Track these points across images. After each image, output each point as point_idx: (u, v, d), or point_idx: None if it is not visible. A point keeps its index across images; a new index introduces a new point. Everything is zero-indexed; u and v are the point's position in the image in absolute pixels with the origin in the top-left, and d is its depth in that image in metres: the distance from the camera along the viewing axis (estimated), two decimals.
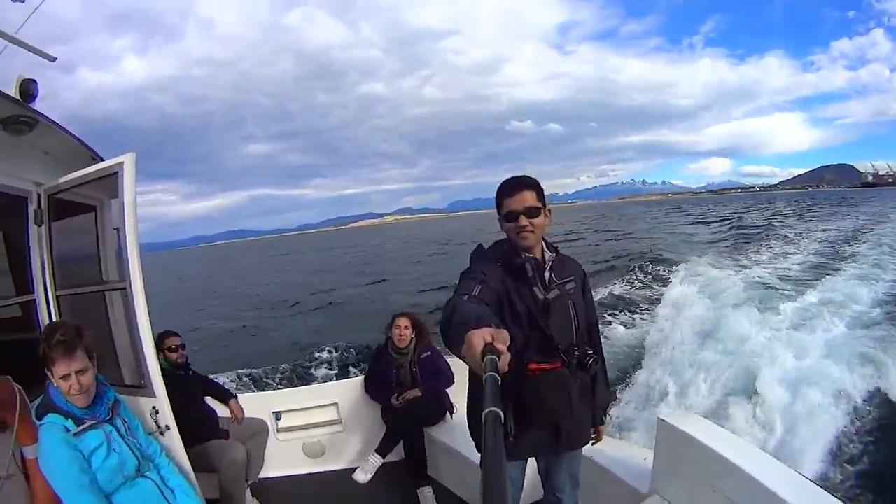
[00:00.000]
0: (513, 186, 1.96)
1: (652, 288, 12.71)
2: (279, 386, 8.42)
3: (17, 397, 2.07)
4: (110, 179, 2.89)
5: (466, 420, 2.17)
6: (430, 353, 3.98)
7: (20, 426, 2.01)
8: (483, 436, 0.73)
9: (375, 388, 4.00)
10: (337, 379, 7.45)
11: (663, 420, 2.39)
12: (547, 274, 2.00)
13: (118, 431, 2.14)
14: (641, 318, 9.99)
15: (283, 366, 9.53)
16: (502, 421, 0.76)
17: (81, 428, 2.00)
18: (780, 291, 9.77)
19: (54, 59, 2.71)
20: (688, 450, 2.20)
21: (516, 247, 1.98)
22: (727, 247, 19.81)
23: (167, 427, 2.62)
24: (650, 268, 15.83)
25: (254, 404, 4.09)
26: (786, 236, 20.91)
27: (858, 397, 5.28)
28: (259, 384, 8.60)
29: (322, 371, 9.36)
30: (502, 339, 1.12)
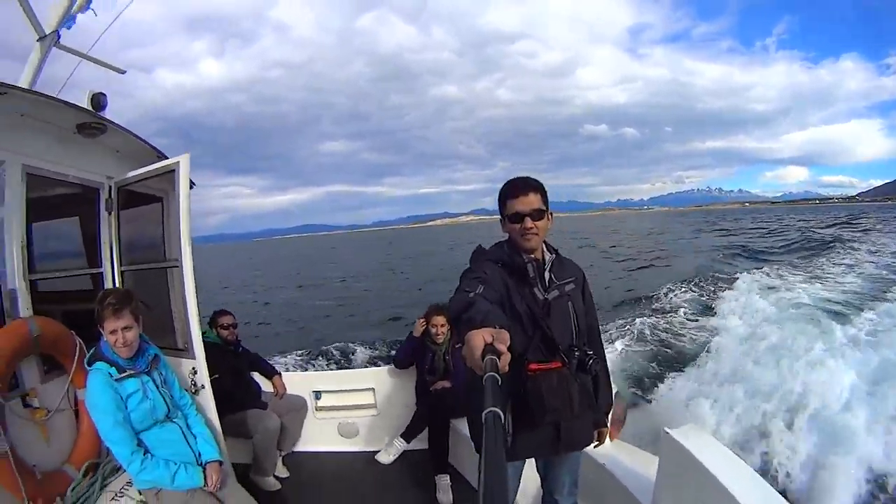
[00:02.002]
0: (519, 188, 1.97)
1: (712, 297, 12.02)
2: (322, 368, 8.91)
3: (77, 348, 2.58)
4: (173, 175, 3.41)
5: (468, 423, 2.24)
6: (462, 344, 4.12)
7: (76, 371, 2.51)
8: (483, 436, 0.73)
9: (402, 359, 4.21)
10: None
11: (668, 433, 2.31)
12: (547, 275, 2.02)
13: (154, 382, 2.56)
14: (696, 326, 9.57)
15: (329, 348, 10.08)
16: (502, 421, 0.77)
17: (122, 375, 2.43)
18: (844, 310, 8.90)
19: (124, 72, 3.25)
20: (688, 467, 2.13)
21: (518, 248, 2.00)
22: (797, 259, 18.21)
23: (202, 386, 3.05)
24: (714, 276, 15.00)
25: (296, 382, 4.46)
26: (859, 251, 18.74)
27: None
28: (304, 365, 9.16)
29: (364, 356, 9.82)
30: (502, 339, 1.14)
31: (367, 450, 4.30)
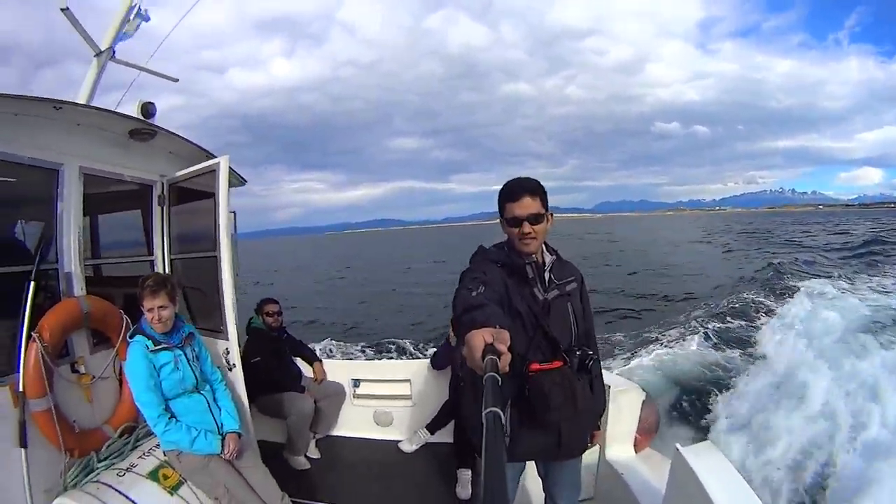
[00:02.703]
0: (517, 191, 1.95)
1: (769, 306, 11.20)
2: (362, 356, 9.27)
3: (124, 325, 2.99)
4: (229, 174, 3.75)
5: (467, 424, 2.30)
6: (463, 345, 4.23)
7: (122, 345, 2.91)
8: (483, 436, 0.74)
9: (440, 360, 4.34)
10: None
11: (679, 450, 2.24)
12: (547, 275, 2.03)
13: (186, 356, 2.88)
14: (747, 336, 9.00)
15: (370, 341, 10.44)
16: (502, 421, 0.77)
17: (157, 347, 2.76)
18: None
19: (177, 80, 3.65)
20: (692, 487, 2.07)
21: (518, 251, 2.00)
22: (860, 267, 16.48)
23: (234, 365, 3.35)
24: (775, 284, 13.93)
25: (336, 370, 4.69)
26: None
27: None
28: (346, 353, 9.56)
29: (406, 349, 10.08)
30: (502, 339, 1.15)
31: (398, 439, 4.43)
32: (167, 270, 3.78)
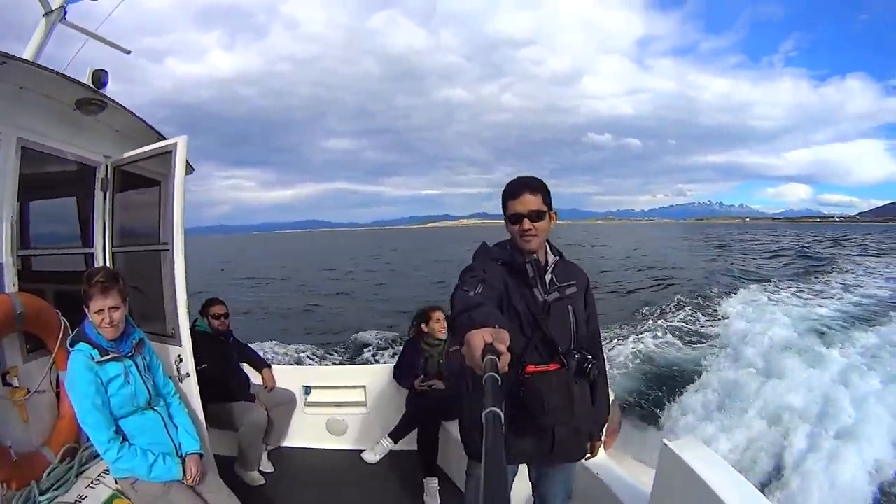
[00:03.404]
0: (518, 188, 1.94)
1: (706, 314, 12.01)
2: (313, 362, 8.91)
3: (62, 328, 2.52)
4: (170, 156, 3.36)
5: (459, 425, 2.17)
6: (458, 346, 4.08)
7: (60, 352, 2.45)
8: (483, 436, 0.73)
9: (402, 373, 4.11)
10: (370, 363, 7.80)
11: (666, 445, 2.28)
12: (548, 276, 2.00)
13: (137, 367, 2.49)
14: (691, 344, 9.55)
15: (321, 344, 10.05)
16: (502, 421, 0.77)
17: (104, 358, 2.36)
18: (839, 331, 8.92)
19: (129, 52, 3.20)
20: (686, 481, 2.10)
21: (519, 249, 1.97)
22: (791, 277, 18.25)
23: (187, 374, 2.98)
24: (708, 292, 15.02)
25: (286, 376, 4.38)
26: (856, 272, 18.84)
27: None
28: (294, 358, 9.10)
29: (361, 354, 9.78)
30: (502, 339, 1.14)
31: (356, 448, 4.25)
32: (107, 265, 3.30)
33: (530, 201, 1.92)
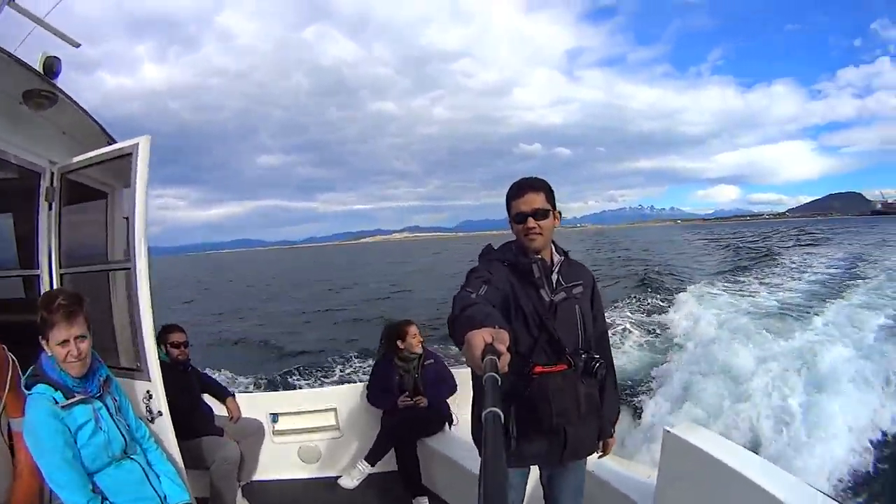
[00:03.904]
0: (521, 188, 1.96)
1: (653, 313, 12.54)
2: (280, 388, 8.32)
3: (11, 367, 2.05)
4: (124, 167, 2.93)
5: (471, 425, 2.14)
6: (433, 360, 3.97)
7: (10, 396, 1.98)
8: (483, 435, 0.73)
9: (379, 395, 3.93)
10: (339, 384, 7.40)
11: (670, 432, 2.33)
12: (554, 276, 1.99)
13: (107, 409, 2.10)
14: (640, 343, 9.88)
15: (285, 369, 9.46)
16: (503, 421, 0.76)
17: (71, 401, 1.96)
18: (784, 318, 9.57)
19: (79, 45, 2.76)
20: (695, 463, 2.16)
21: (524, 248, 1.97)
22: (730, 272, 19.56)
23: (159, 413, 2.58)
24: (652, 291, 15.71)
25: (251, 405, 4.05)
26: (792, 263, 20.55)
27: (867, 425, 5.22)
28: (259, 385, 8.51)
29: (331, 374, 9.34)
30: (502, 339, 1.12)
31: (331, 475, 4.01)
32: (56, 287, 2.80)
33: (534, 200, 1.93)
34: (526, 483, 2.11)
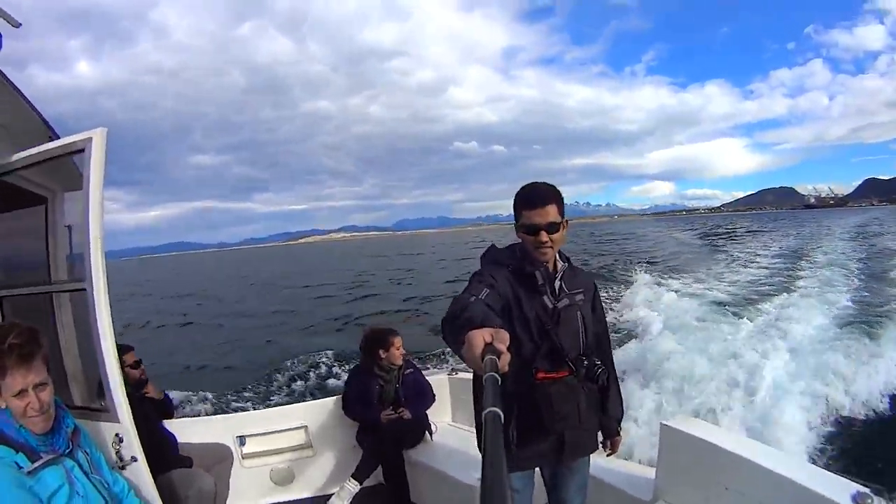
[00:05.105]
0: (536, 199, 1.90)
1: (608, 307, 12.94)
2: (244, 408, 7.76)
3: None
4: (67, 168, 2.48)
5: (475, 426, 2.13)
6: (412, 370, 3.85)
7: None
8: (483, 435, 0.73)
9: (357, 408, 3.74)
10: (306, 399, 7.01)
11: (667, 425, 2.41)
12: (557, 283, 1.99)
13: (81, 468, 1.73)
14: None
15: (248, 385, 8.85)
16: (502, 421, 0.76)
17: (37, 464, 1.58)
18: (732, 309, 10.02)
19: (19, 25, 2.27)
20: (695, 452, 2.24)
21: (531, 257, 1.95)
22: (674, 266, 20.45)
23: (133, 458, 2.22)
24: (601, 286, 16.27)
25: (216, 428, 3.75)
26: (732, 256, 21.75)
27: (823, 409, 5.52)
28: (221, 405, 7.89)
29: (293, 387, 8.83)
30: (502, 339, 1.12)
31: (306, 496, 3.84)
32: None
33: (548, 213, 1.88)
34: (532, 486, 2.11)
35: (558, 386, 1.90)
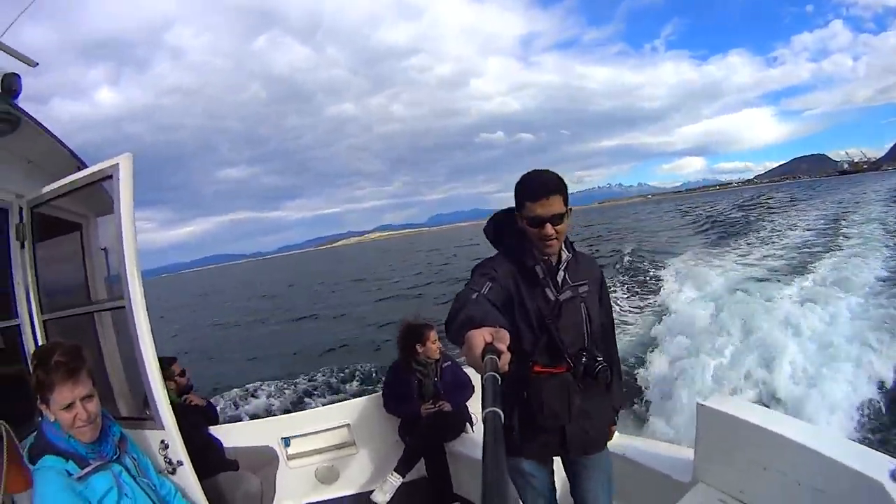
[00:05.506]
0: (540, 190, 1.81)
1: (645, 287, 12.60)
2: (286, 409, 8.06)
3: (4, 435, 1.75)
4: (97, 194, 2.61)
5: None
6: (450, 363, 3.82)
7: (9, 469, 1.69)
8: (483, 435, 0.73)
9: (397, 403, 3.77)
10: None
11: (704, 405, 2.36)
12: (560, 275, 1.92)
13: (129, 472, 1.84)
14: (635, 318, 9.93)
15: (291, 387, 9.11)
16: (502, 420, 0.76)
17: (86, 470, 1.69)
18: (777, 280, 9.77)
19: (35, 64, 2.41)
20: (734, 432, 2.20)
21: (533, 249, 1.88)
22: (714, 241, 19.87)
23: (179, 462, 2.32)
24: (642, 266, 15.80)
25: (261, 431, 3.87)
26: (773, 227, 21.06)
27: (875, 375, 5.34)
28: (266, 409, 8.15)
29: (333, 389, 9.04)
30: (502, 338, 1.12)
31: (352, 493, 3.90)
32: (39, 339, 2.47)
33: (553, 204, 1.80)
34: (550, 472, 2.07)
35: (552, 381, 1.86)
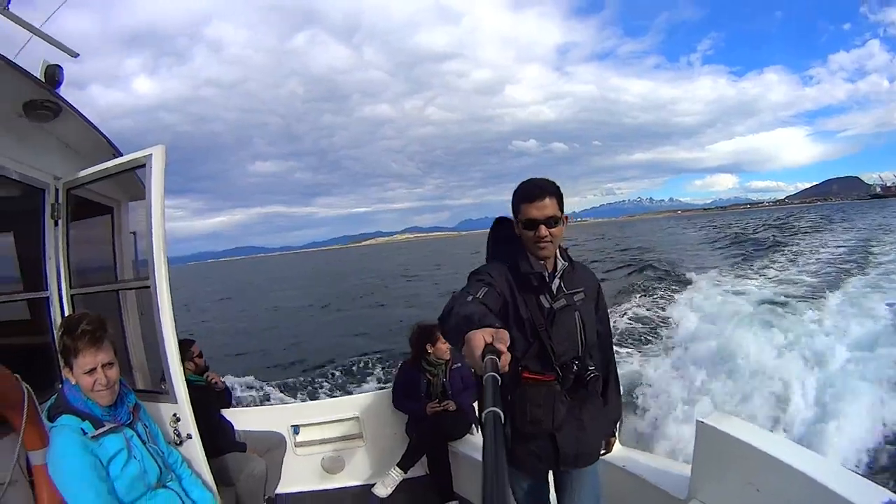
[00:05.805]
0: (533, 192, 1.85)
1: (663, 304, 12.39)
2: (300, 398, 8.19)
3: (26, 396, 1.89)
4: (130, 180, 2.78)
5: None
6: (459, 364, 3.86)
7: (28, 428, 1.83)
8: (483, 435, 0.74)
9: (405, 401, 3.84)
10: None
11: (703, 422, 2.35)
12: (555, 283, 1.93)
13: (139, 437, 1.97)
14: (652, 337, 9.83)
15: (301, 378, 9.29)
16: (502, 421, 0.76)
17: (100, 431, 1.83)
18: (797, 304, 9.51)
19: (77, 55, 2.59)
20: (730, 451, 2.20)
21: (531, 255, 1.90)
22: (738, 262, 19.49)
23: (188, 436, 2.46)
24: (661, 284, 15.57)
25: (272, 417, 3.98)
26: (798, 250, 20.65)
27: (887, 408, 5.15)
28: (276, 397, 8.34)
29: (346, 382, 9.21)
30: (502, 338, 1.12)
31: (355, 484, 3.95)
32: (66, 311, 2.64)
33: (546, 206, 1.83)
34: (546, 491, 2.08)
35: (538, 389, 1.85)
